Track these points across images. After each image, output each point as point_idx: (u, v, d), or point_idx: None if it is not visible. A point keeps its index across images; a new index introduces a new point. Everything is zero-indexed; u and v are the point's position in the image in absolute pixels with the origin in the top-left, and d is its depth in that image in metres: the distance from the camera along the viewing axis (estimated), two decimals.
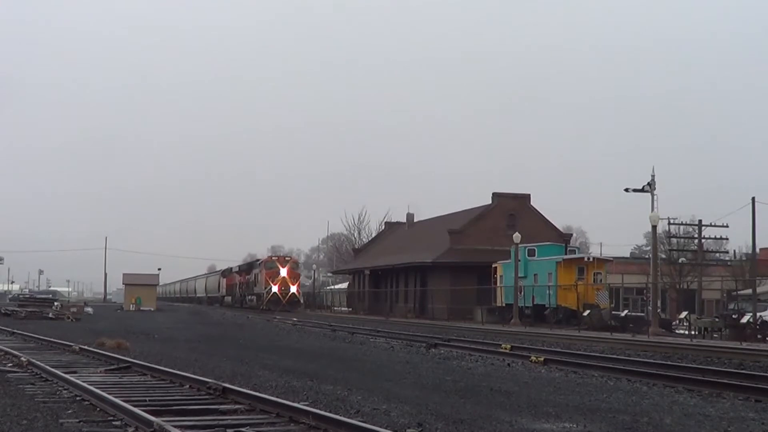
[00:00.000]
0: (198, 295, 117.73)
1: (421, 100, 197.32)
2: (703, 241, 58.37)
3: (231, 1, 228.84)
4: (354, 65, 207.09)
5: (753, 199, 49.78)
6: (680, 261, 62.30)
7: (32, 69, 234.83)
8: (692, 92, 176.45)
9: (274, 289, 70.20)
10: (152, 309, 70.50)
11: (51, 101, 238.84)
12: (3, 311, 50.83)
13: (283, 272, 71.05)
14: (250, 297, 78.11)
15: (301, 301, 73.89)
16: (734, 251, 65.86)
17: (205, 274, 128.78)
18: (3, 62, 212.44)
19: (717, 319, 38.29)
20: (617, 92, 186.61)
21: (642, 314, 42.73)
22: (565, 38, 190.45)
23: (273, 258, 76.60)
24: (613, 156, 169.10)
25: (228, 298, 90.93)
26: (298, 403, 11.10)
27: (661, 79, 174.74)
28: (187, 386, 13.49)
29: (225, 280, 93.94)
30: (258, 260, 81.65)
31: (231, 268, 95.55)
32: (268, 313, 63.32)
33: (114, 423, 10.22)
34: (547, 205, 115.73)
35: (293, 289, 71.45)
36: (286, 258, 78.17)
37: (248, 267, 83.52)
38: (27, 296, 69.89)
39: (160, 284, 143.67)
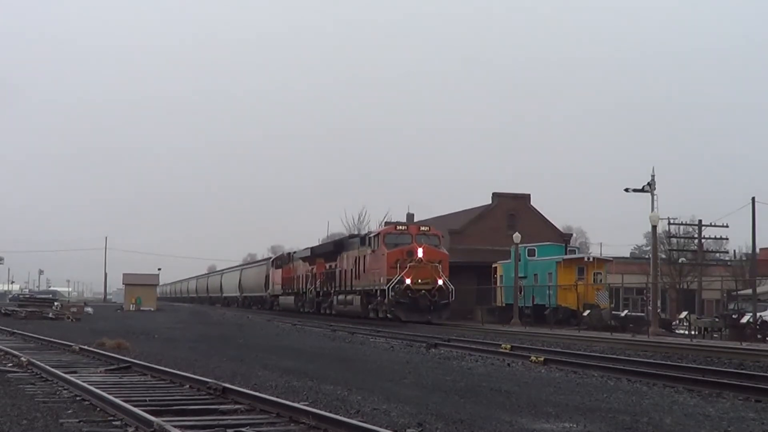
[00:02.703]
0: (225, 294, 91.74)
1: (422, 101, 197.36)
2: (703, 241, 58.37)
3: (236, 12, 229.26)
4: (355, 67, 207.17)
5: (753, 199, 49.79)
6: (680, 261, 62.29)
7: (37, 76, 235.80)
8: (692, 93, 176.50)
9: (407, 281, 41.01)
10: (152, 309, 70.44)
11: (53, 104, 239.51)
12: (3, 311, 50.83)
13: (420, 252, 41.83)
14: (343, 297, 49.16)
15: (452, 300, 42.50)
16: (734, 251, 65.88)
17: (239, 266, 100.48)
18: (9, 70, 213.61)
19: (717, 319, 38.30)
20: (618, 93, 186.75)
21: (642, 314, 42.73)
22: (566, 42, 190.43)
23: (399, 227, 44.75)
24: (613, 156, 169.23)
25: (286, 299, 62.49)
26: (298, 403, 11.10)
27: (662, 81, 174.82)
28: (187, 386, 13.49)
29: (279, 272, 64.83)
30: (359, 234, 51.26)
31: (290, 254, 64.96)
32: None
33: (114, 423, 10.22)
34: (547, 205, 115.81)
35: (440, 281, 41.42)
36: (422, 228, 45.37)
37: (336, 247, 52.39)
38: (27, 296, 69.80)
39: (167, 283, 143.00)
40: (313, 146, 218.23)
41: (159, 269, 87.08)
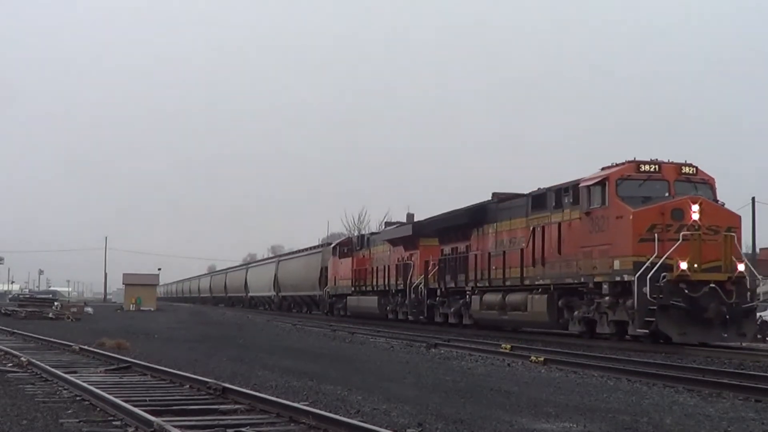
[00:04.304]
0: (251, 293, 77.24)
1: (421, 100, 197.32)
2: None
3: (236, 12, 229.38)
4: (355, 66, 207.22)
5: (753, 199, 49.83)
6: None
7: (36, 76, 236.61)
8: (692, 92, 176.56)
9: (682, 265, 22.22)
10: (152, 309, 70.42)
11: (52, 103, 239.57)
12: (3, 311, 50.88)
13: (695, 212, 22.64)
14: (496, 297, 30.50)
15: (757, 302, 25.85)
16: None
17: (273, 257, 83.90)
18: (9, 69, 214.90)
19: None
20: (618, 91, 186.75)
21: None
22: (566, 41, 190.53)
23: (645, 167, 23.97)
24: (613, 155, 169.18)
25: (361, 300, 45.36)
26: (298, 403, 11.10)
27: (661, 80, 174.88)
28: (187, 386, 13.50)
29: (347, 262, 47.99)
30: (531, 193, 28.99)
31: (363, 237, 49.08)
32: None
33: (114, 423, 10.23)
34: None
35: (741, 267, 23.01)
36: (685, 169, 24.06)
37: (470, 217, 32.98)
38: (27, 296, 69.85)
39: (171, 282, 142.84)
40: (312, 146, 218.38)
41: (159, 269, 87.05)
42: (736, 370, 17.44)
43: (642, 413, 11.50)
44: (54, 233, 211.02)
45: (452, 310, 34.99)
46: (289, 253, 71.83)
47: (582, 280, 25.44)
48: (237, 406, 11.26)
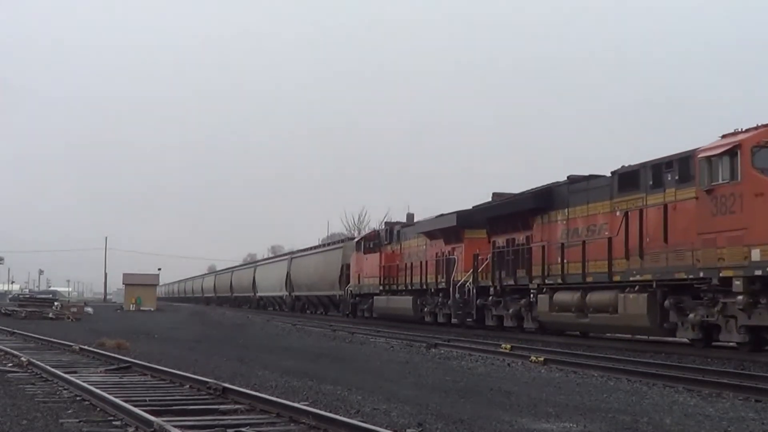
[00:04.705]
0: (260, 293, 72.19)
1: (421, 100, 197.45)
2: None
3: (239, 12, 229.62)
4: (355, 66, 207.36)
5: None
6: None
7: (37, 76, 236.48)
8: (691, 90, 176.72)
9: None
10: (152, 309, 70.40)
11: (53, 104, 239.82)
12: (3, 311, 50.89)
13: None
14: (572, 295, 25.64)
15: None
16: None
17: (285, 254, 76.84)
18: (10, 69, 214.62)
19: None
20: (618, 89, 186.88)
21: None
22: (566, 40, 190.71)
23: None
24: (614, 155, 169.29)
25: (391, 301, 40.48)
26: (298, 402, 11.10)
27: (661, 79, 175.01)
28: (187, 386, 13.51)
29: (373, 258, 43.17)
30: (618, 169, 23.73)
31: (390, 230, 42.95)
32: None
33: (114, 423, 10.23)
34: None
35: None
36: None
37: (537, 200, 27.98)
38: (27, 296, 69.86)
39: (173, 282, 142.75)
40: (313, 146, 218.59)
41: (159, 269, 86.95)
42: (736, 370, 17.43)
43: (642, 413, 11.50)
44: (54, 233, 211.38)
45: (510, 311, 30.33)
46: (303, 250, 64.74)
47: (701, 275, 20.27)
48: (237, 406, 11.26)
